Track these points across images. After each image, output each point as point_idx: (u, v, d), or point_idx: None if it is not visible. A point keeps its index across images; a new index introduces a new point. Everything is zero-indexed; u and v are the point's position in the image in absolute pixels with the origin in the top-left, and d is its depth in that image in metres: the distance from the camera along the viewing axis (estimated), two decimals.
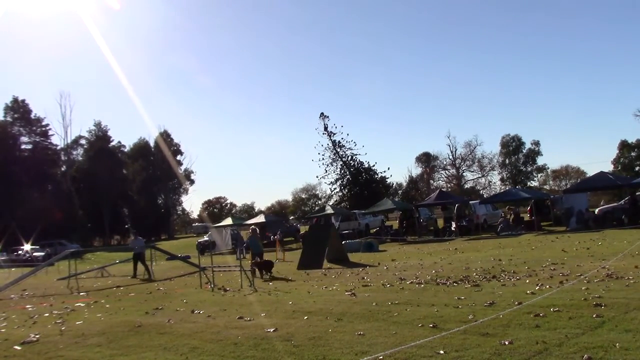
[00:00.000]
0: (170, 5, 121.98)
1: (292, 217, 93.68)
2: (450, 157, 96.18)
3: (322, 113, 72.10)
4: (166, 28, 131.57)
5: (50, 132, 72.58)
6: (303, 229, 48.28)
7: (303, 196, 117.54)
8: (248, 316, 9.51)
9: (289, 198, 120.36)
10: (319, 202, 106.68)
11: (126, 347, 7.76)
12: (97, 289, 18.54)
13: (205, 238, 45.80)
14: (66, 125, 75.16)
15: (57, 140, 75.00)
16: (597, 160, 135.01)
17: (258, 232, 21.23)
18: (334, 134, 71.55)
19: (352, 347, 6.56)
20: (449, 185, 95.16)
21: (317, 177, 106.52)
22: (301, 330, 7.86)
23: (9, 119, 69.44)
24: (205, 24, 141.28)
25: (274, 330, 7.94)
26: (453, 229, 35.64)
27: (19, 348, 8.14)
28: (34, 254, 40.83)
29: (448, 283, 12.17)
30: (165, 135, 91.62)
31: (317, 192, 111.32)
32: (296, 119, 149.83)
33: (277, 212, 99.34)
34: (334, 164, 72.22)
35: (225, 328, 8.53)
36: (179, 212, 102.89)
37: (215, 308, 11.01)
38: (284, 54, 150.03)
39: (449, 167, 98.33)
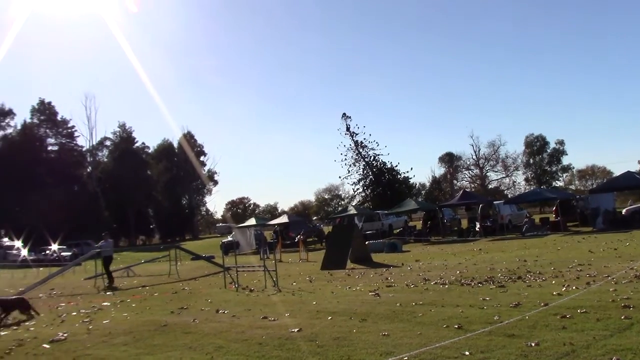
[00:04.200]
0: (191, 6, 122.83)
1: (315, 217, 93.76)
2: (474, 157, 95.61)
3: (344, 113, 71.97)
4: (187, 29, 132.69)
5: (75, 134, 73.74)
6: (326, 229, 48.28)
7: (326, 196, 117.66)
8: (272, 316, 9.55)
9: (312, 198, 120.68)
10: (342, 202, 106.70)
11: (152, 346, 7.86)
12: (123, 288, 18.75)
13: (229, 238, 46.03)
14: (91, 127, 76.28)
15: (83, 141, 76.18)
16: (624, 159, 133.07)
17: None
18: (356, 134, 71.36)
19: (376, 348, 6.55)
20: (472, 186, 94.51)
21: (339, 177, 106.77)
22: (325, 331, 7.87)
23: (35, 120, 70.56)
24: (227, 24, 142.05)
25: (298, 331, 7.96)
26: (477, 229, 35.36)
27: (47, 346, 8.28)
28: (62, 253, 41.40)
29: (473, 284, 12.09)
30: (189, 137, 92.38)
31: (340, 192, 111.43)
32: (319, 120, 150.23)
33: (300, 213, 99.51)
34: (357, 164, 72.03)
35: (250, 328, 8.58)
36: (202, 213, 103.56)
37: (239, 308, 11.07)
38: (306, 54, 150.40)
39: (472, 167, 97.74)
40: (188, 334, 8.55)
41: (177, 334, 8.63)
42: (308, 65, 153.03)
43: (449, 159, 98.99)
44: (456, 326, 7.39)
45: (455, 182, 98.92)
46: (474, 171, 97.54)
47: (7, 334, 9.74)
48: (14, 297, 12.65)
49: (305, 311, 9.99)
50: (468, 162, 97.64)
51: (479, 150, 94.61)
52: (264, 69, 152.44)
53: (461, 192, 45.69)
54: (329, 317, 9.02)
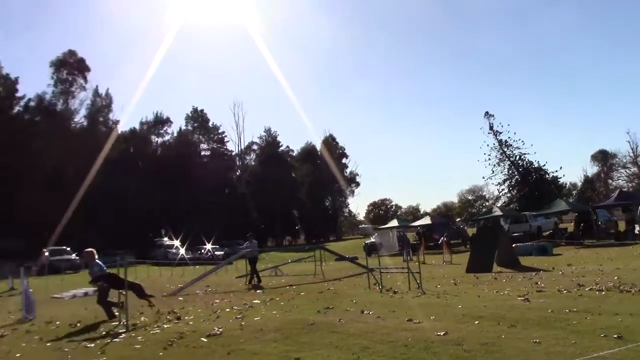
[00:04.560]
0: (327, 11, 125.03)
1: (458, 219, 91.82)
2: (631, 154, 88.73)
3: (486, 112, 69.88)
4: (324, 33, 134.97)
5: (225, 139, 77.81)
6: (470, 231, 47.06)
7: (469, 197, 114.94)
8: (417, 319, 9.50)
9: (455, 199, 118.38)
10: (486, 203, 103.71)
11: (300, 343, 8.11)
12: (271, 287, 19.48)
13: (372, 240, 46.27)
14: (239, 132, 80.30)
15: (232, 146, 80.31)
16: None
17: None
18: (500, 132, 69.02)
19: (527, 355, 6.32)
20: (630, 185, 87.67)
21: (483, 177, 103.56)
22: (472, 335, 7.71)
23: (189, 127, 75.37)
24: (363, 26, 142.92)
25: (444, 334, 7.86)
26: (637, 232, 32.76)
27: (205, 340, 8.83)
28: (215, 252, 43.72)
29: (633, 291, 11.26)
30: (331, 139, 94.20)
31: (484, 193, 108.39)
32: (460, 119, 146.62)
33: (443, 214, 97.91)
34: (501, 164, 69.67)
35: (395, 330, 8.59)
36: (345, 214, 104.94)
37: (384, 309, 11.12)
38: (447, 51, 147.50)
39: (629, 165, 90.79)
40: (334, 333, 8.73)
41: (324, 332, 8.84)
42: (449, 63, 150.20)
43: (603, 157, 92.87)
44: (615, 336, 6.94)
45: (610, 181, 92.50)
46: (632, 170, 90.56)
47: (169, 327, 10.50)
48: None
49: (451, 315, 9.84)
50: (624, 160, 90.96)
51: (637, 147, 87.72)
52: (404, 70, 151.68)
53: (617, 191, 42.60)
54: (476, 322, 8.82)
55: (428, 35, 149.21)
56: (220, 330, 9.59)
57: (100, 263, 13.11)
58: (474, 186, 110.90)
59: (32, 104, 56.85)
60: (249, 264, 21.63)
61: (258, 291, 17.84)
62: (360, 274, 21.51)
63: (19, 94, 54.08)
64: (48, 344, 9.52)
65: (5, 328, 11.99)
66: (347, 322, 9.78)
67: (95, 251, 13.46)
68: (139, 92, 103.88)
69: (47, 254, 37.27)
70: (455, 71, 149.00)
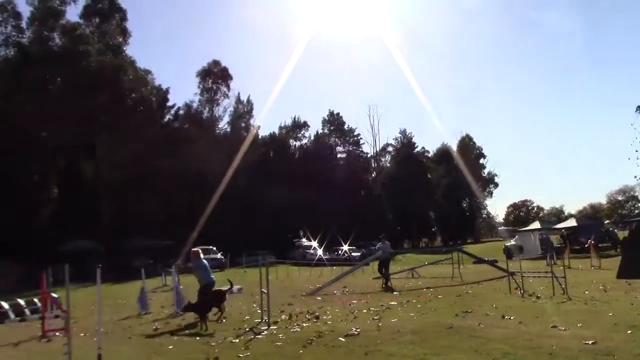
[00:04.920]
0: (458, 11, 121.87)
1: (607, 221, 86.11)
2: None
3: (638, 106, 64.87)
4: (457, 33, 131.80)
5: (361, 142, 78.45)
6: (621, 234, 43.88)
7: (620, 198, 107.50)
8: (562, 325, 9.05)
9: (603, 201, 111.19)
10: (639, 204, 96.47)
11: (438, 347, 8.01)
12: (408, 289, 19.37)
13: (512, 242, 44.57)
14: (375, 135, 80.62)
15: (367, 148, 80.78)
16: None
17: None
18: None
19: None
20: None
21: (635, 177, 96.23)
22: (625, 346, 7.21)
23: (326, 130, 76.79)
24: (495, 25, 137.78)
25: (592, 343, 7.43)
26: None
27: (343, 340, 8.97)
28: (352, 254, 44.16)
29: None
30: (467, 139, 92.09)
31: (636, 193, 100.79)
32: (607, 116, 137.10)
33: (590, 216, 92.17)
34: None
35: (538, 336, 8.24)
36: (483, 216, 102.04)
37: (526, 315, 10.69)
38: (596, 48, 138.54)
39: None
40: (473, 337, 8.53)
41: (463, 337, 8.66)
42: (597, 57, 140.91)
43: None
44: None
45: None
46: None
47: (308, 326, 10.78)
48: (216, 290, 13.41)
49: (600, 323, 9.27)
50: None
51: None
52: (546, 66, 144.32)
53: None
54: (629, 331, 8.24)
55: (573, 34, 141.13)
56: (358, 330, 9.70)
57: (205, 263, 14.05)
58: (625, 186, 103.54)
59: (181, 112, 60.72)
60: (380, 265, 21.55)
61: (395, 293, 17.80)
62: (500, 277, 20.79)
63: (169, 104, 57.92)
64: (197, 338, 10.13)
65: (158, 322, 12.92)
66: (487, 326, 9.53)
67: (200, 251, 14.31)
68: (278, 98, 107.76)
69: None
70: (603, 65, 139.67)
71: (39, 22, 43.67)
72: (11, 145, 40.81)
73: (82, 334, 11.32)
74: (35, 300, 15.12)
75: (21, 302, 15.14)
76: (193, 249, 14.43)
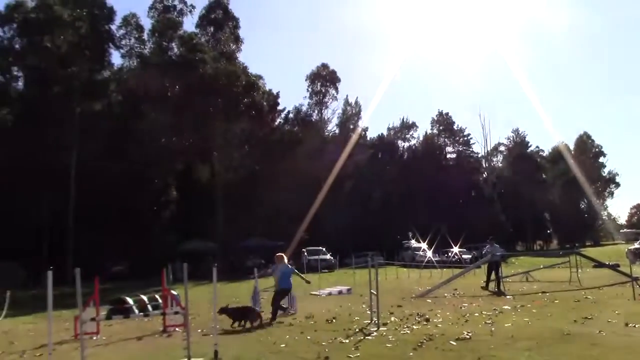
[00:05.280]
0: (567, 7, 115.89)
1: None
2: None
3: None
4: (565, 30, 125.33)
5: (471, 142, 76.67)
6: None
7: None
8: None
9: None
10: None
11: (555, 354, 7.70)
12: (522, 293, 18.70)
13: (636, 245, 41.87)
14: (485, 134, 78.40)
15: (478, 148, 78.81)
16: None
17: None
18: None
19: None
20: None
21: None
22: None
23: (435, 131, 75.75)
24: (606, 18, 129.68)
25: None
26: None
27: (454, 343, 8.82)
28: (462, 256, 43.24)
29: None
30: (585, 137, 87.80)
31: None
32: None
33: None
34: None
35: None
36: (604, 217, 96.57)
37: None
38: None
39: None
40: (594, 346, 8.12)
41: (582, 344, 8.27)
42: None
43: None
44: None
45: None
46: None
47: (419, 329, 10.68)
48: (242, 306, 13.30)
49: None
50: None
51: None
52: None
53: None
54: None
55: None
56: (470, 334, 9.51)
57: (288, 267, 14.12)
58: None
59: (290, 115, 62.08)
60: (489, 268, 20.84)
61: (507, 297, 17.24)
62: (623, 283, 19.62)
63: (279, 107, 59.32)
64: (308, 337, 10.31)
65: (271, 320, 13.28)
66: (608, 334, 9.04)
67: (283, 256, 14.33)
68: (386, 99, 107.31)
69: (305, 253, 40.40)
70: None
71: (159, 33, 46.18)
72: (135, 151, 43.46)
73: (199, 330, 11.84)
74: (157, 296, 15.97)
75: (144, 298, 16.05)
76: (277, 254, 14.61)
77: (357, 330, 10.94)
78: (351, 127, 65.84)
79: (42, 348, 10.49)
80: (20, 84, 45.40)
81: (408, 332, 10.35)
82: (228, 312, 12.48)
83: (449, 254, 44.67)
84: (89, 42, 44.19)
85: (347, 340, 9.68)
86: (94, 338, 11.64)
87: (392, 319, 12.24)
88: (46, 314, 8.21)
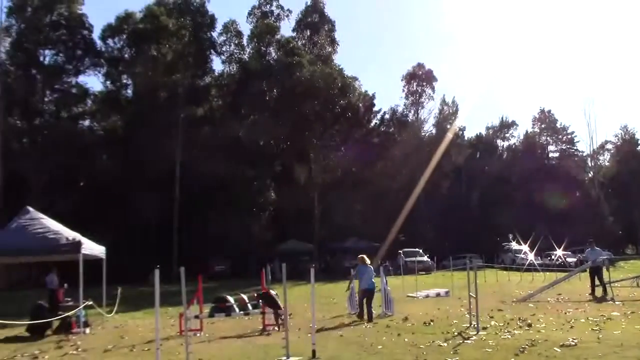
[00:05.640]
0: None
1: None
2: None
3: None
4: None
5: (576, 140, 73.42)
6: None
7: None
8: None
9: None
10: None
11: None
12: (632, 299, 17.73)
13: None
14: (591, 132, 74.71)
15: (583, 147, 75.28)
16: None
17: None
18: None
19: None
20: None
21: None
22: None
23: (536, 129, 73.12)
24: None
25: None
26: None
27: (558, 350, 8.51)
28: (567, 259, 41.55)
29: None
30: None
31: None
32: None
33: None
34: None
35: None
36: None
37: None
38: None
39: None
40: None
41: None
42: None
43: None
44: None
45: None
46: None
47: (520, 334, 10.38)
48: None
49: None
50: None
51: None
52: None
53: None
54: None
55: None
56: (575, 341, 9.15)
57: (369, 268, 14.43)
58: None
59: (386, 116, 61.91)
60: (592, 273, 19.74)
61: (617, 303, 16.40)
62: None
63: (375, 108, 59.29)
64: (405, 340, 10.29)
65: (367, 322, 13.34)
66: None
67: (365, 257, 14.70)
68: (484, 98, 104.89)
69: (402, 255, 40.19)
70: None
71: (257, 38, 47.42)
72: (235, 153, 44.90)
73: (297, 330, 12.08)
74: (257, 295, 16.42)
75: (244, 297, 16.54)
76: (359, 255, 15.07)
77: (455, 333, 10.80)
78: (448, 126, 64.76)
79: (149, 343, 11.06)
80: (129, 91, 47.92)
81: (509, 337, 10.09)
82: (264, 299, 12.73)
83: (552, 257, 42.95)
84: (192, 49, 46.12)
85: (445, 344, 9.58)
86: (198, 335, 12.15)
87: (492, 323, 11.98)
88: (153, 310, 8.65)
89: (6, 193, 36.61)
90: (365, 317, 13.83)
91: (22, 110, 42.91)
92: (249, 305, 15.90)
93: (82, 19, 45.52)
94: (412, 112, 63.67)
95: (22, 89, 42.37)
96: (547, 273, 30.74)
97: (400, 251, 42.02)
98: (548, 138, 73.12)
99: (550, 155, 72.85)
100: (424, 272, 36.99)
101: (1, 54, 41.19)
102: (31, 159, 40.94)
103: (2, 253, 14.79)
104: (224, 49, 50.16)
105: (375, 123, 60.29)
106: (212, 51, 49.41)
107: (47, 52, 44.78)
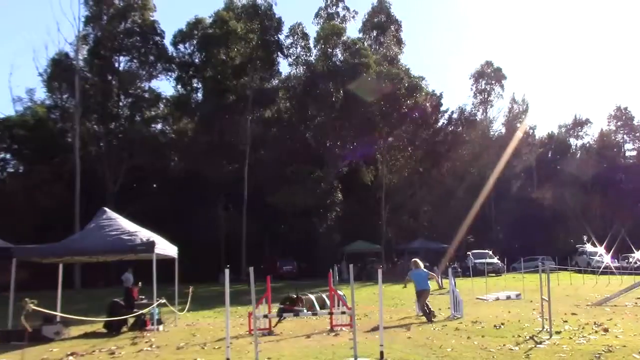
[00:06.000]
0: None
1: None
2: None
3: None
4: None
5: None
6: None
7: None
8: None
9: None
10: None
11: None
12: None
13: None
14: None
15: None
16: None
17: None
18: None
19: None
20: None
21: None
22: None
23: (612, 127, 70.43)
24: None
25: None
26: None
27: (637, 356, 8.23)
28: None
29: None
30: None
31: None
32: None
33: None
34: None
35: None
36: None
37: None
38: None
39: None
40: None
41: None
42: None
43: None
44: None
45: None
46: None
47: (596, 339, 10.02)
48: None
49: None
50: None
51: None
52: None
53: None
54: None
55: None
56: None
57: (423, 270, 14.91)
58: None
59: (454, 116, 61.17)
60: None
61: None
62: None
63: (442, 108, 58.66)
64: (475, 342, 10.13)
65: (436, 324, 13.20)
66: None
67: (418, 261, 15.26)
68: (556, 95, 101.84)
69: (471, 256, 39.56)
70: None
71: (323, 40, 47.59)
72: (302, 154, 45.35)
73: (365, 331, 12.09)
74: (324, 296, 16.51)
75: (312, 297, 16.66)
76: (413, 259, 15.81)
77: (527, 337, 10.54)
78: (518, 125, 63.29)
79: (220, 341, 11.31)
80: (199, 95, 49.08)
81: (584, 342, 9.77)
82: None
83: (630, 259, 41.26)
84: (259, 52, 46.82)
85: (516, 348, 9.37)
86: (267, 334, 12.33)
87: (566, 327, 11.62)
88: (223, 309, 8.84)
89: (83, 194, 38.09)
90: (423, 313, 14.30)
91: (99, 115, 44.55)
92: (317, 306, 15.99)
93: (154, 26, 46.82)
94: (481, 111, 62.79)
95: (98, 94, 44.07)
96: (625, 276, 29.53)
97: (469, 252, 41.40)
98: (624, 136, 70.31)
99: (627, 153, 70.03)
100: (493, 274, 36.26)
101: (79, 61, 42.83)
102: (107, 162, 42.61)
103: (82, 253, 15.57)
104: (290, 51, 50.64)
105: (443, 123, 59.60)
106: (279, 54, 49.99)
107: (121, 58, 46.41)
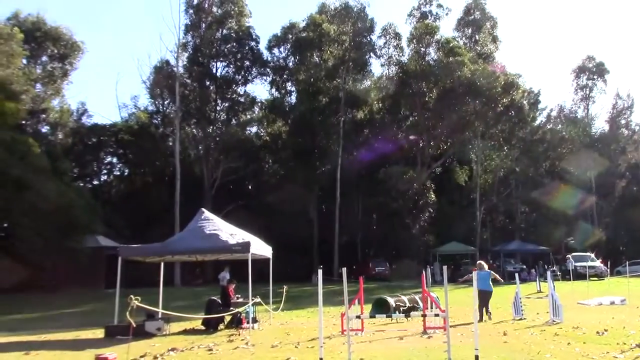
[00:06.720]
0: None
1: None
2: None
3: None
4: None
5: None
6: None
7: None
8: None
9: None
10: None
11: None
12: None
13: None
14: None
15: None
16: None
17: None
18: None
19: None
20: None
21: None
22: None
23: None
24: None
25: None
26: None
27: None
28: None
29: None
30: None
31: None
32: None
33: None
34: None
35: None
36: None
37: None
38: None
39: None
40: None
41: None
42: None
43: None
44: None
45: None
46: None
47: None
48: None
49: None
50: None
51: None
52: None
53: None
54: None
55: None
56: None
57: (486, 272, 15.29)
58: None
59: (553, 113, 59.02)
60: None
61: None
62: None
63: (540, 106, 56.77)
64: (576, 349, 9.76)
65: (533, 328, 12.83)
66: None
67: (482, 263, 15.79)
68: None
69: (571, 259, 38.05)
70: None
71: (416, 40, 47.02)
72: (395, 155, 45.22)
73: (459, 334, 11.94)
74: (417, 298, 16.42)
75: (404, 299, 16.60)
76: (478, 262, 16.38)
77: (633, 345, 10.03)
78: (622, 122, 60.16)
79: (313, 341, 11.53)
80: (292, 98, 49.89)
81: None
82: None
83: None
84: (352, 54, 46.97)
85: (621, 356, 8.98)
86: (359, 334, 12.42)
87: None
88: (316, 309, 8.99)
89: (182, 195, 39.55)
90: (484, 317, 14.94)
91: (197, 120, 46.25)
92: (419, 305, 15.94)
93: (250, 32, 48.00)
94: (582, 107, 60.22)
95: (197, 100, 45.77)
96: None
97: (569, 255, 39.79)
98: None
99: None
100: (596, 278, 34.68)
101: (179, 68, 44.64)
102: (205, 164, 44.20)
103: (182, 252, 16.31)
104: (382, 51, 50.39)
105: (541, 121, 57.67)
106: (371, 54, 49.90)
107: (219, 64, 47.86)
